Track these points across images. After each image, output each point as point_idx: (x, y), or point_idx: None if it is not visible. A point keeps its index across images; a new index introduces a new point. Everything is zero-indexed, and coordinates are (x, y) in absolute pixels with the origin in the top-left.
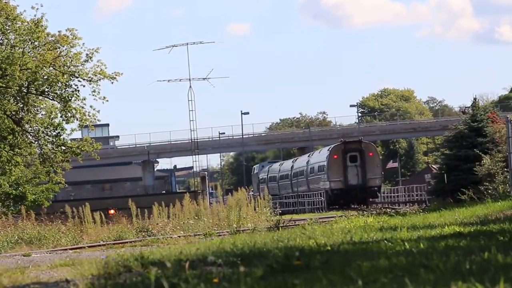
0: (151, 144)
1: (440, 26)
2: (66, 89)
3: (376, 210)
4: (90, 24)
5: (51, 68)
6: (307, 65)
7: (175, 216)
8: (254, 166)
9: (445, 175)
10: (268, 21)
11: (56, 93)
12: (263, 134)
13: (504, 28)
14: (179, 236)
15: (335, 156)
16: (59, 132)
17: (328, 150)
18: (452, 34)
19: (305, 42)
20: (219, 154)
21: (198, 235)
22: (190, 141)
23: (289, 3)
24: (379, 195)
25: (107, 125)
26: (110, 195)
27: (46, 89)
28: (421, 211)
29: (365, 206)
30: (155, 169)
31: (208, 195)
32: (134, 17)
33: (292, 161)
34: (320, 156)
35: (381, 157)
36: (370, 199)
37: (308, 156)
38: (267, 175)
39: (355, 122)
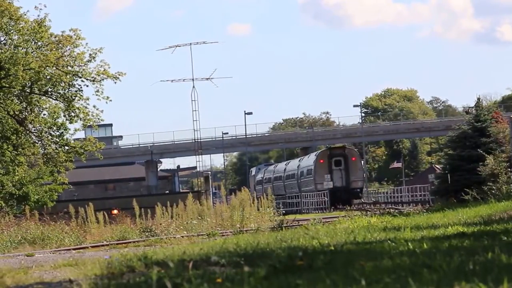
0: (155, 144)
1: (441, 26)
2: (69, 89)
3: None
4: (93, 25)
5: (54, 68)
6: (309, 65)
7: (179, 216)
8: (251, 169)
9: (448, 175)
10: (268, 21)
11: (59, 93)
12: (266, 134)
13: (505, 28)
14: (182, 236)
15: (321, 161)
16: (62, 132)
17: (315, 155)
18: (453, 34)
19: (307, 42)
20: (222, 154)
21: (201, 235)
22: (193, 141)
23: (289, 3)
24: (362, 196)
25: (111, 125)
26: (113, 195)
27: (49, 89)
28: (425, 211)
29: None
30: (159, 169)
31: (211, 195)
32: (135, 17)
33: (285, 164)
34: (308, 160)
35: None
36: (354, 200)
37: (299, 160)
38: (263, 177)
39: (359, 122)
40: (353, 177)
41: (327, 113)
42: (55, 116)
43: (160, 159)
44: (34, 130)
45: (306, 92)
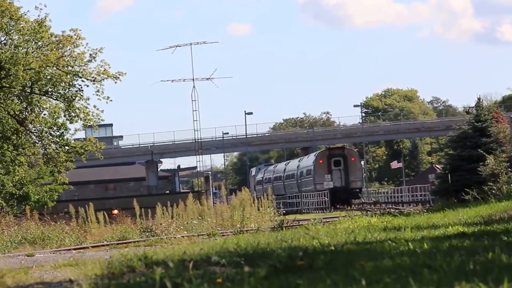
0: (155, 144)
1: (441, 26)
2: (70, 89)
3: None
4: (93, 25)
5: (55, 68)
6: (310, 65)
7: (179, 216)
8: (251, 169)
9: (448, 175)
10: (268, 21)
11: (60, 93)
12: (266, 134)
13: (505, 28)
14: (183, 236)
15: (321, 161)
16: (62, 132)
17: (314, 155)
18: (453, 34)
19: (307, 42)
20: (222, 154)
21: (202, 235)
22: (193, 141)
23: (289, 3)
24: (361, 196)
25: (111, 125)
26: (114, 195)
27: (50, 89)
28: (425, 211)
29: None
30: (159, 169)
31: (211, 195)
32: (135, 17)
33: (285, 164)
34: (308, 160)
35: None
36: (353, 200)
37: (299, 160)
38: (263, 177)
39: (359, 122)
40: (353, 177)
41: (328, 113)
42: (55, 116)
43: (161, 159)
44: (35, 130)
45: (306, 92)
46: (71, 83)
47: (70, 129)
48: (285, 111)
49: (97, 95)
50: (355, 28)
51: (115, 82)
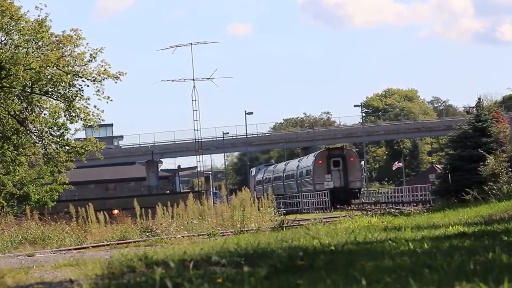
0: (155, 144)
1: (441, 26)
2: (70, 89)
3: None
4: (93, 25)
5: (55, 68)
6: (310, 65)
7: (179, 216)
8: (251, 169)
9: (449, 175)
10: (268, 21)
11: (60, 93)
12: (267, 134)
13: (505, 27)
14: (183, 236)
15: (320, 161)
16: (63, 132)
17: (314, 156)
18: (453, 34)
19: (307, 42)
20: (223, 154)
21: (202, 235)
22: (194, 141)
23: (289, 3)
24: (360, 196)
25: (111, 125)
26: (114, 195)
27: (50, 89)
28: (425, 211)
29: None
30: (159, 169)
31: (212, 195)
32: (135, 17)
33: (285, 164)
34: (307, 161)
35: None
36: (352, 200)
37: (298, 160)
38: (263, 177)
39: (359, 122)
40: (352, 177)
41: (328, 113)
42: (55, 116)
43: (161, 159)
44: (35, 130)
45: (306, 92)
46: (71, 83)
47: (70, 129)
48: (285, 111)
49: (97, 95)
50: (355, 28)
51: (115, 82)
